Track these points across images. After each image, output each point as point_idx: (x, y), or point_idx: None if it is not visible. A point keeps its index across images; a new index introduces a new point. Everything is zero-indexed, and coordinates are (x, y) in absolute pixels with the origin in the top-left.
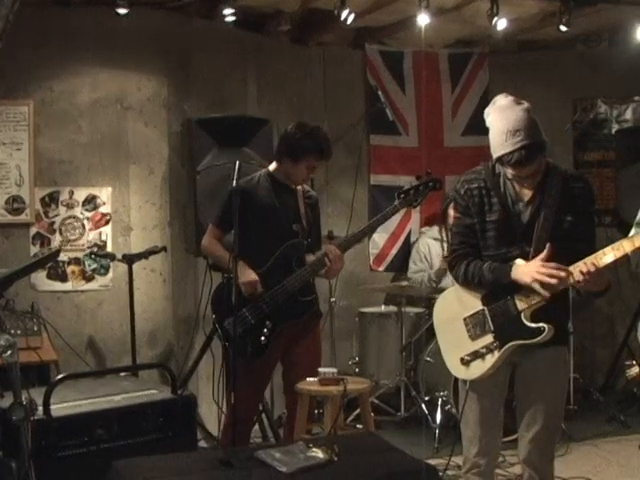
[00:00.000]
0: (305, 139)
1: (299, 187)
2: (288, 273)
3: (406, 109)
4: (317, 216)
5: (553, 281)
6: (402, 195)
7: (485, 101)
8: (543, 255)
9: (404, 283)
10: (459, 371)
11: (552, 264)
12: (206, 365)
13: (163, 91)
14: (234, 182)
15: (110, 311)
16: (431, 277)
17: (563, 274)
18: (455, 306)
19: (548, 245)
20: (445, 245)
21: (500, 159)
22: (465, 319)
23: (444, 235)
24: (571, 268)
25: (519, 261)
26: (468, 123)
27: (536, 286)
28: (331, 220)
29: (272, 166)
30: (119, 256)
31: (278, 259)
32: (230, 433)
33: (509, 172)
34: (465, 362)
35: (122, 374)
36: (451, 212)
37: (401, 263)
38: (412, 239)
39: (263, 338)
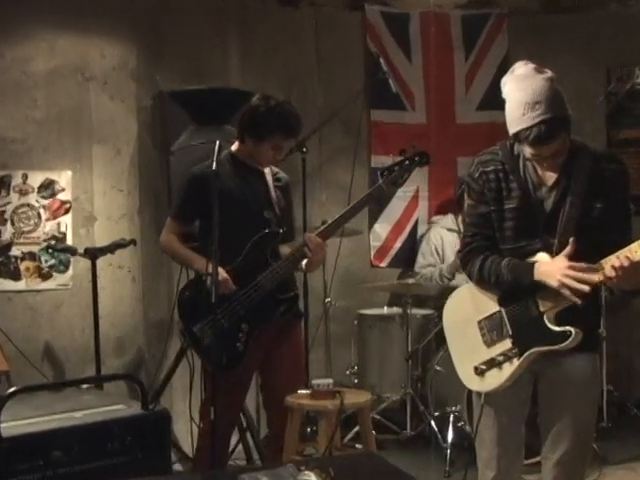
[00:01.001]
0: (269, 115)
1: (266, 168)
2: (263, 268)
3: (412, 80)
4: (289, 201)
5: (584, 288)
6: (385, 172)
7: (504, 70)
8: (567, 251)
9: (410, 281)
10: (473, 382)
11: (581, 265)
12: (181, 376)
13: (131, 59)
14: (214, 164)
15: (70, 314)
16: (443, 272)
17: (596, 278)
18: (468, 307)
19: (572, 240)
20: (460, 236)
21: (517, 136)
22: (480, 322)
23: (460, 225)
24: (602, 262)
25: (541, 256)
26: (484, 96)
27: (565, 292)
28: (325, 209)
29: (235, 146)
30: (81, 250)
31: (250, 252)
32: (207, 454)
33: (527, 151)
34: (480, 372)
35: (84, 387)
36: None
37: (407, 258)
38: (419, 230)
39: (239, 344)
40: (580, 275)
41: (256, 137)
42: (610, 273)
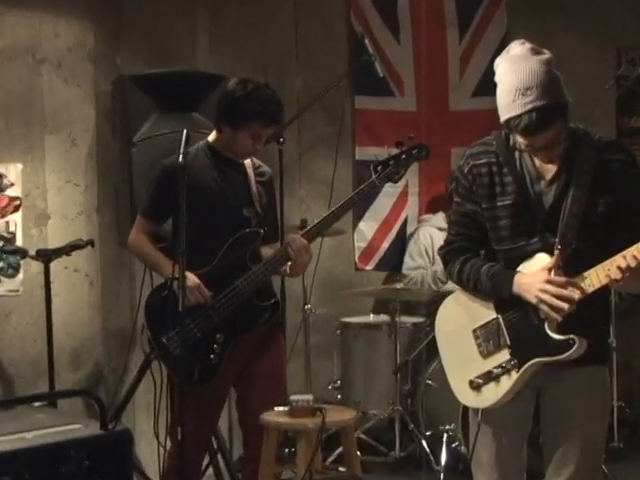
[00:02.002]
0: (246, 100)
1: (247, 161)
2: (241, 271)
3: (401, 63)
4: (272, 197)
5: (562, 305)
6: (379, 167)
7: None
8: (551, 263)
9: (399, 285)
10: (468, 398)
11: (561, 280)
12: (145, 392)
13: (88, 39)
14: (180, 157)
15: (20, 323)
16: (438, 275)
17: (576, 295)
18: (462, 314)
19: (557, 252)
20: None
21: (507, 124)
22: (475, 331)
23: None
24: (607, 263)
25: (541, 257)
26: (480, 81)
27: (544, 308)
28: (305, 205)
29: (212, 136)
30: (32, 252)
31: (227, 254)
32: (174, 478)
33: (519, 141)
34: (476, 386)
35: (36, 404)
36: None
37: (395, 260)
38: (409, 229)
39: (213, 356)
40: (559, 291)
41: (233, 125)
42: (616, 275)
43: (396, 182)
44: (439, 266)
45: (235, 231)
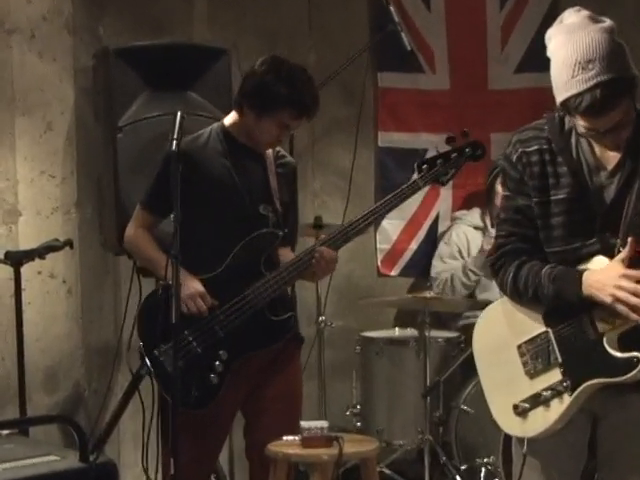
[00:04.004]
0: (278, 84)
1: (268, 150)
2: (254, 279)
3: (432, 33)
4: (294, 193)
5: None
6: (425, 166)
7: (550, 21)
8: (624, 254)
9: (428, 294)
10: (512, 425)
11: (639, 273)
12: (132, 418)
13: (66, 5)
14: (173, 143)
15: None
16: (468, 266)
17: None
18: (505, 327)
19: (630, 239)
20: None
21: (565, 105)
22: (520, 347)
23: (488, 221)
24: None
25: (599, 260)
26: (525, 54)
27: (621, 309)
28: (319, 200)
29: (229, 119)
30: (0, 254)
31: (238, 258)
32: None
33: (580, 124)
34: (521, 411)
35: (4, 432)
36: (499, 188)
37: (423, 264)
38: (440, 228)
39: (214, 376)
40: (636, 286)
41: (259, 110)
42: None
43: (443, 184)
44: (470, 257)
45: (249, 231)
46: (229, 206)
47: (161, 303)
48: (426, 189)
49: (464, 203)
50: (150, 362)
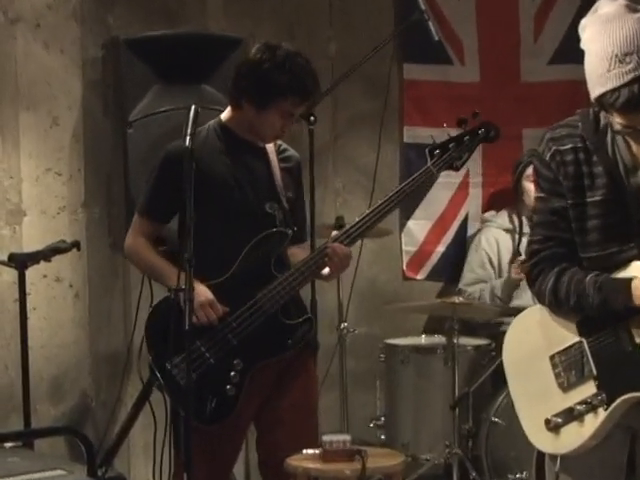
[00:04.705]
0: (276, 72)
1: (269, 144)
2: (264, 282)
3: (461, 23)
4: (300, 188)
5: None
6: (437, 151)
7: (586, 10)
8: None
9: (458, 299)
10: (544, 441)
11: None
12: (143, 430)
13: None
14: (187, 139)
15: None
16: (495, 292)
17: None
18: (538, 336)
19: None
20: (518, 239)
21: (601, 101)
22: (553, 357)
23: (516, 222)
24: None
25: (637, 266)
26: (560, 44)
27: None
28: (341, 199)
29: (226, 114)
30: (3, 257)
31: (247, 261)
32: None
33: (616, 121)
34: (553, 426)
35: (8, 445)
36: (528, 186)
37: (452, 268)
38: (470, 230)
39: (230, 387)
40: None
41: (259, 102)
42: None
43: (457, 170)
44: (499, 280)
45: (256, 232)
46: (233, 206)
47: (170, 312)
48: (454, 188)
49: (495, 202)
50: (161, 376)
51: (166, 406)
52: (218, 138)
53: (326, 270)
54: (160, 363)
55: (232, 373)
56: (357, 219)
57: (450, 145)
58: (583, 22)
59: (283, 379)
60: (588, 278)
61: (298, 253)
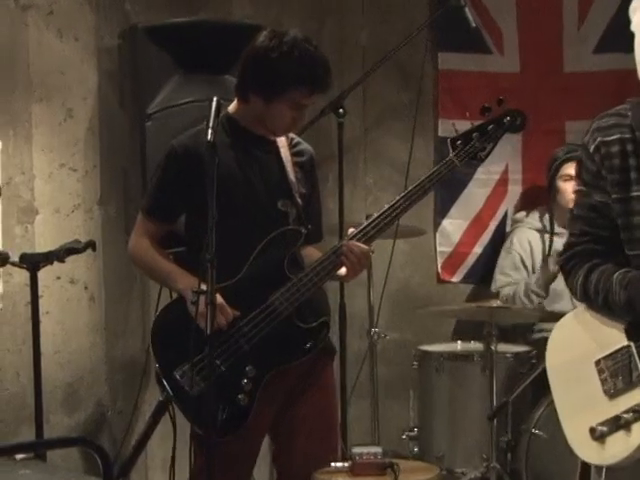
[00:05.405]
0: (285, 61)
1: (281, 138)
2: (278, 284)
3: (500, 10)
4: (314, 184)
5: None
6: (459, 142)
7: None
8: None
9: (495, 303)
10: (589, 451)
11: None
12: (161, 441)
13: None
14: (209, 133)
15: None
16: (530, 287)
17: None
18: (583, 340)
19: None
20: (549, 239)
21: None
22: (598, 362)
23: (547, 222)
24: None
25: None
26: (605, 32)
27: None
28: (372, 197)
29: (233, 106)
30: (15, 257)
31: (259, 261)
32: None
33: None
34: (599, 436)
35: (20, 456)
36: (563, 186)
37: (489, 270)
38: (509, 228)
39: (242, 396)
40: None
41: (268, 94)
42: None
43: (482, 161)
44: (534, 276)
45: (268, 231)
46: (244, 204)
47: (175, 319)
48: (492, 185)
49: (528, 201)
50: (170, 387)
51: (172, 417)
52: (226, 132)
53: (343, 270)
54: (167, 372)
55: (244, 381)
56: (375, 215)
57: (473, 135)
58: (634, 4)
59: (300, 386)
60: (616, 275)
61: (314, 253)
